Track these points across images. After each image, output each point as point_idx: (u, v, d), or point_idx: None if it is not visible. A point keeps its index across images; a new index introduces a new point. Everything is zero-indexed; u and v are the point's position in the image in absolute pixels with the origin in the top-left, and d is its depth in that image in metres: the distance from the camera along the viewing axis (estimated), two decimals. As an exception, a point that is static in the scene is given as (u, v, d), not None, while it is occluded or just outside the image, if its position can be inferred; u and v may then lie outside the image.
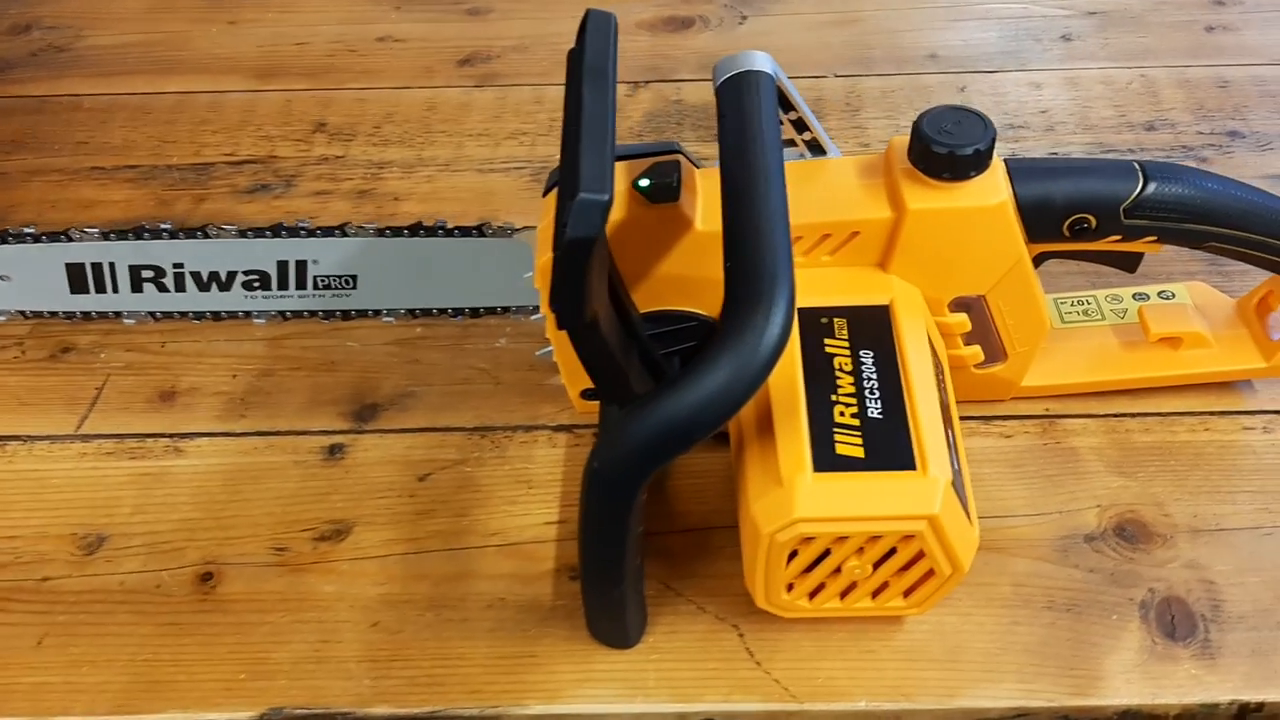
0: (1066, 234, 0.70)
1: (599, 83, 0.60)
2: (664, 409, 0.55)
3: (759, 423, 0.65)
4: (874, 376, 0.65)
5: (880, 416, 0.63)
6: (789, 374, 0.65)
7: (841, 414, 0.63)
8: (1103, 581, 0.69)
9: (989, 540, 0.71)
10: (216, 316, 0.83)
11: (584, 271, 0.56)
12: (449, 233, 0.79)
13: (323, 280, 0.80)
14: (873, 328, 0.67)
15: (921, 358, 0.67)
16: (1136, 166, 0.69)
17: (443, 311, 0.83)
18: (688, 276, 0.70)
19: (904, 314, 0.68)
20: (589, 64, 0.61)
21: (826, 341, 0.67)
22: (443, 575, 0.71)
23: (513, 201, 0.97)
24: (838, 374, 0.65)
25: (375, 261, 0.80)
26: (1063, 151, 0.97)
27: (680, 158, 0.71)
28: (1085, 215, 0.69)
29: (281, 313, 0.83)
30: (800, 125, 0.71)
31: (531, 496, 0.75)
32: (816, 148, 0.72)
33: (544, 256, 0.68)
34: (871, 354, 0.66)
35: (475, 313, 0.83)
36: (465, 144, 1.03)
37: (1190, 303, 0.79)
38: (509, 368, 0.83)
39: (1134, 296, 0.80)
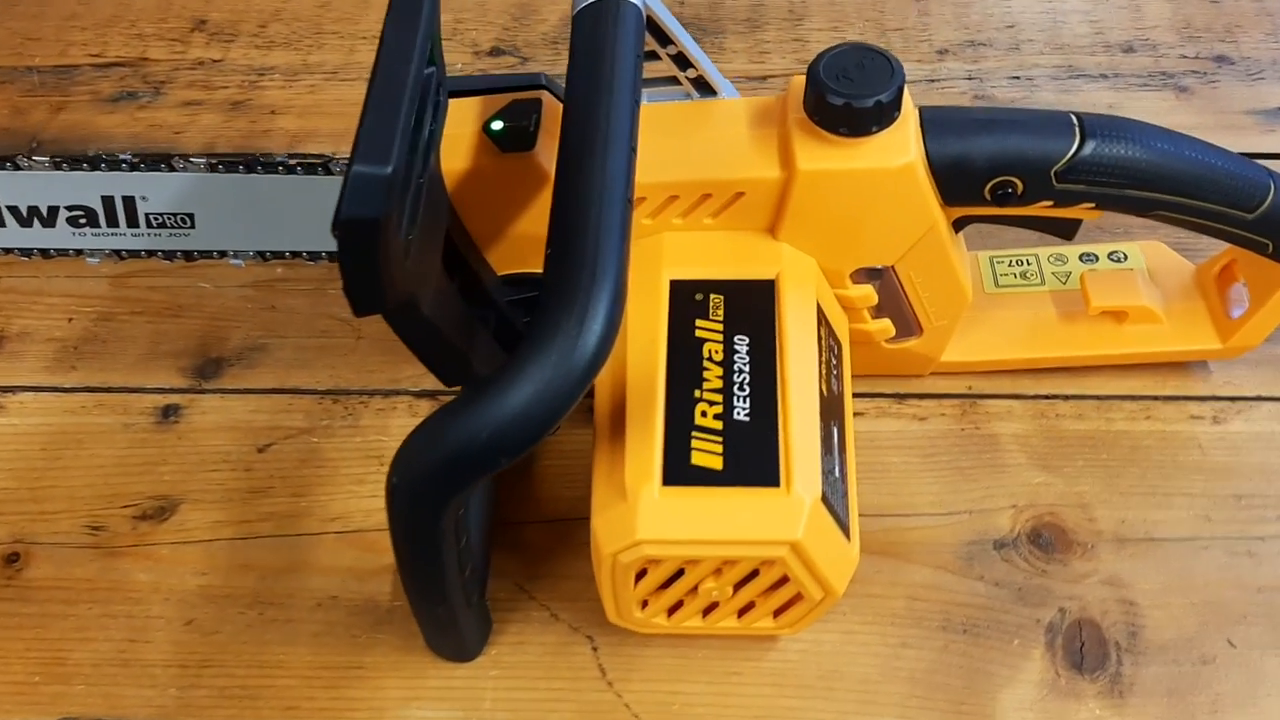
0: (988, 198, 0.59)
1: (404, 30, 0.50)
2: (462, 427, 0.46)
3: (612, 416, 0.56)
4: (746, 369, 0.56)
5: (746, 419, 0.54)
6: (649, 363, 0.56)
7: (704, 414, 0.54)
8: (1009, 598, 0.61)
9: (887, 543, 0.63)
10: (45, 254, 0.74)
11: (371, 256, 0.46)
12: (290, 169, 0.69)
13: (156, 218, 0.71)
14: (753, 307, 0.58)
15: (805, 344, 0.57)
16: (1073, 121, 0.58)
17: (296, 255, 0.73)
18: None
19: (791, 290, 0.58)
20: (396, 7, 0.51)
21: (698, 324, 0.57)
22: (271, 566, 0.64)
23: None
24: (706, 364, 0.56)
25: (213, 199, 0.70)
26: (1026, 75, 0.86)
27: (545, 95, 0.61)
28: (1010, 178, 0.58)
29: (116, 251, 0.74)
30: (683, 61, 0.60)
31: (382, 475, 0.67)
32: (705, 87, 0.61)
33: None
34: (747, 341, 0.57)
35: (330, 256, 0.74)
36: (358, 48, 0.92)
37: (1143, 267, 0.69)
38: (374, 319, 0.74)
39: (1080, 258, 0.70)
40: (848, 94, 0.55)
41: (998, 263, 0.71)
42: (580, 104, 0.51)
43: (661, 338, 0.57)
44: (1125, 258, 0.70)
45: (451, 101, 0.61)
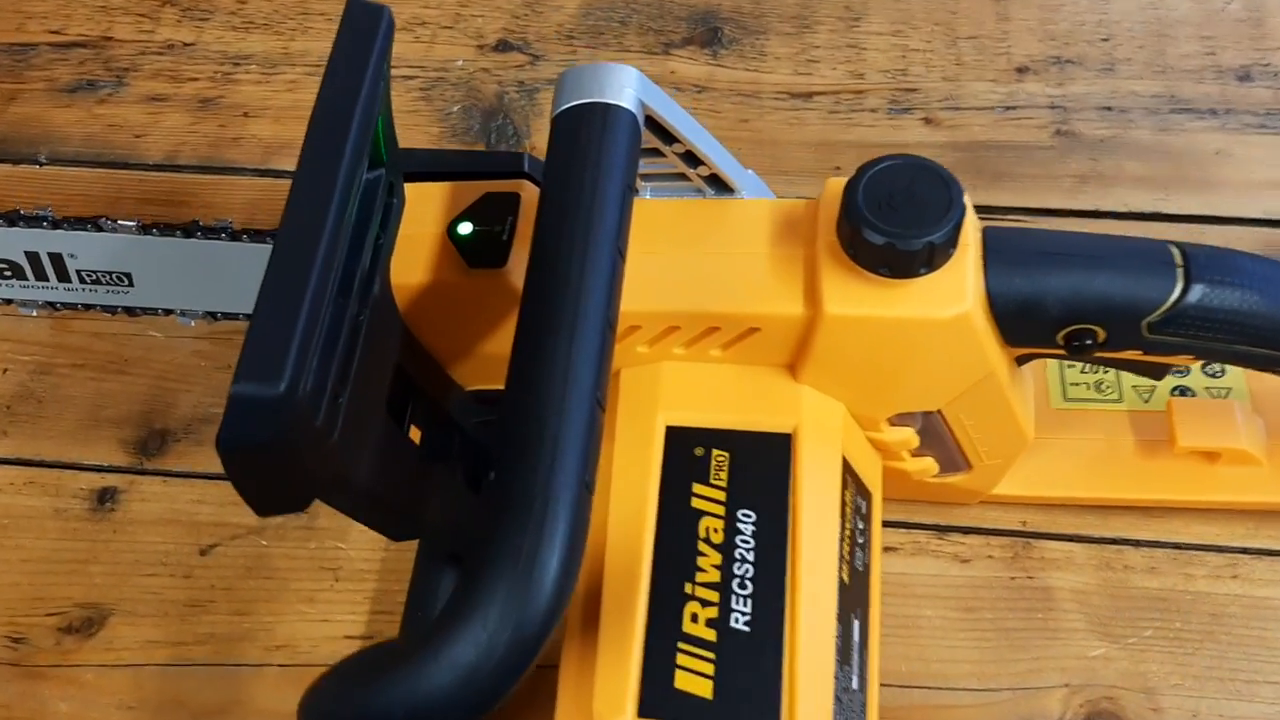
0: (1060, 343, 0.48)
1: (331, 134, 0.39)
2: (373, 702, 0.37)
3: (585, 606, 0.47)
4: (750, 558, 0.46)
5: (746, 629, 0.44)
6: (633, 539, 0.46)
7: (694, 618, 0.45)
8: (1051, 807, 0.52)
9: (911, 722, 0.54)
10: (-25, 300, 0.65)
11: (270, 474, 0.37)
12: (235, 236, 0.59)
13: (89, 275, 0.61)
14: (764, 471, 0.48)
15: (824, 522, 0.47)
16: (1174, 257, 0.47)
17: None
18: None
19: (812, 447, 0.48)
20: (324, 106, 0.40)
21: (696, 490, 0.47)
22: (206, 703, 0.56)
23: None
24: (701, 547, 0.46)
25: (151, 260, 0.60)
26: (1120, 107, 0.73)
27: (526, 187, 0.50)
28: (1090, 327, 0.47)
29: (50, 304, 0.64)
30: (692, 159, 0.49)
31: (336, 593, 0.59)
32: (720, 184, 0.50)
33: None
34: (753, 518, 0.47)
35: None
36: (348, 35, 0.80)
37: (1244, 391, 0.58)
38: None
39: (1174, 390, 0.59)
40: (891, 232, 0.44)
41: (1069, 370, 0.60)
42: (549, 241, 0.40)
43: (651, 504, 0.47)
44: (1223, 373, 0.59)
45: (412, 189, 0.50)
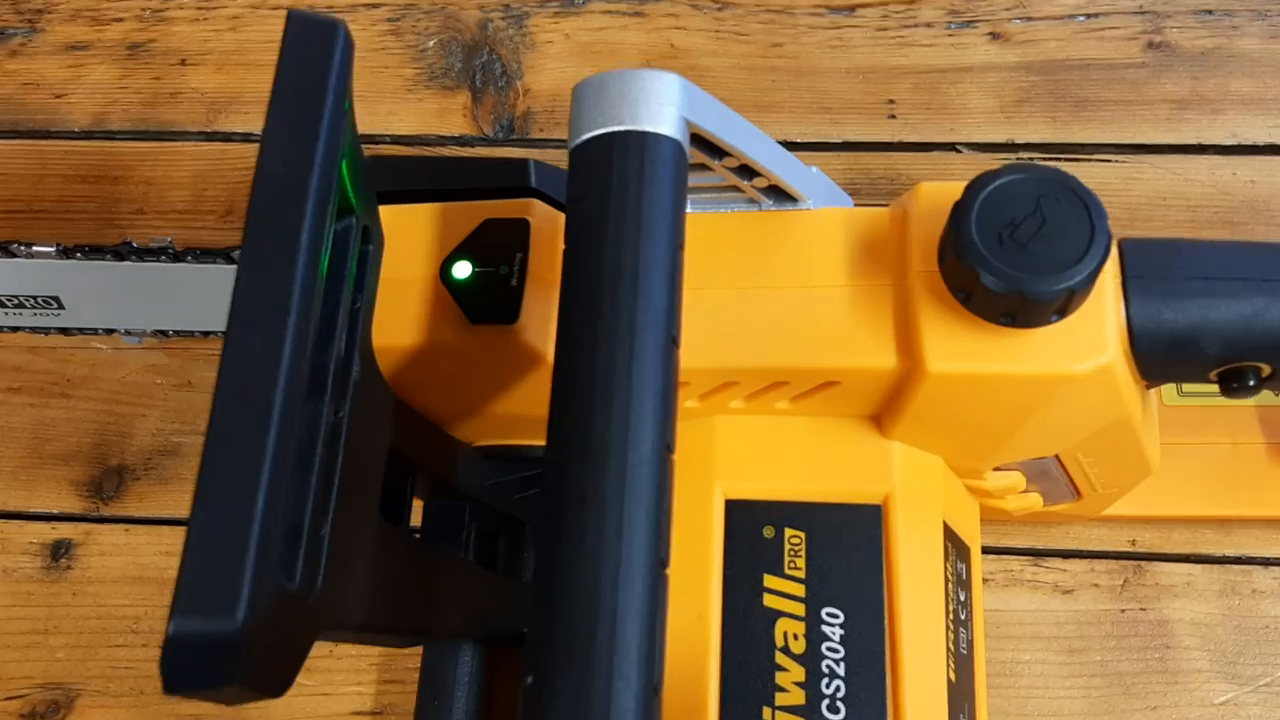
0: (1212, 380, 0.39)
1: (279, 235, 0.29)
2: None
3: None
4: (841, 670, 0.38)
5: (843, 763, 0.37)
6: (694, 659, 0.38)
7: (775, 752, 0.37)
8: None
9: (1014, 792, 0.47)
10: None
11: (236, 697, 0.28)
12: (177, 256, 0.48)
13: (11, 299, 0.51)
14: (851, 554, 0.39)
15: (928, 620, 0.39)
16: (1368, 275, 0.37)
17: (208, 334, 0.54)
18: (542, 416, 0.41)
19: (909, 520, 0.39)
20: (270, 171, 0.30)
21: (769, 583, 0.39)
22: (197, 802, 0.49)
23: (359, 72, 0.64)
24: (780, 660, 0.38)
25: (80, 284, 0.50)
26: (1224, 9, 0.61)
27: (534, 209, 0.40)
28: (1257, 365, 0.38)
29: (-29, 326, 0.54)
30: (747, 171, 0.38)
31: (336, 660, 0.51)
32: (779, 193, 0.40)
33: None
34: (840, 617, 0.38)
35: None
36: (298, -47, 0.68)
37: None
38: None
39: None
40: (1020, 277, 0.34)
41: (1183, 357, 0.50)
42: (583, 356, 0.30)
43: (713, 605, 0.39)
44: (1367, 355, 0.49)
45: (392, 212, 0.40)
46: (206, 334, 0.53)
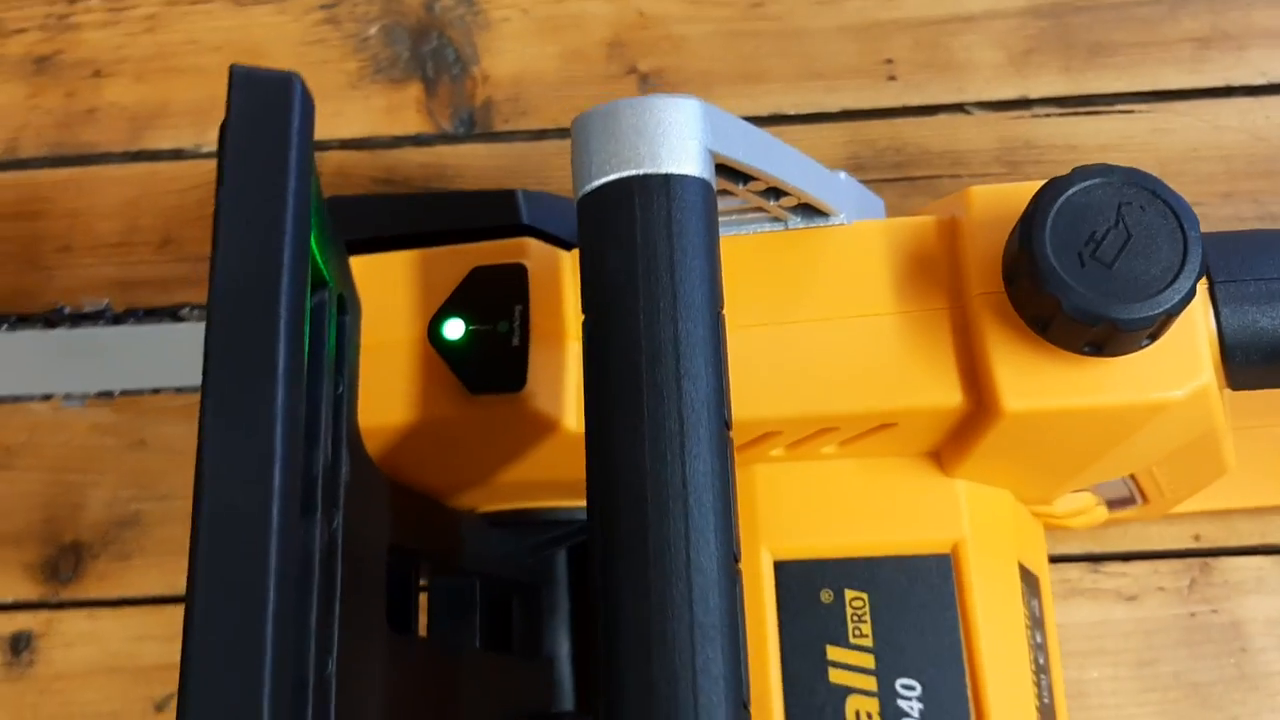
0: (1312, 381, 0.35)
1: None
2: None
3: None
4: (923, 749, 0.33)
5: None
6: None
7: None
8: None
9: (1093, 823, 0.43)
10: None
11: None
12: (116, 319, 0.42)
13: (-72, 374, 0.45)
14: (922, 614, 0.34)
15: (1013, 680, 0.35)
16: None
17: (158, 391, 0.48)
18: (556, 481, 0.36)
19: (982, 569, 0.35)
20: (231, 258, 0.24)
21: (832, 656, 0.34)
22: None
23: (295, 66, 0.57)
24: (853, 742, 0.34)
25: (9, 354, 0.44)
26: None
27: (529, 249, 0.34)
28: (1364, 366, 0.33)
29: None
30: (774, 191, 0.33)
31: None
32: (810, 210, 0.35)
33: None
34: (917, 689, 0.34)
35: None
36: (216, -63, 0.61)
37: None
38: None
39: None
40: (1107, 300, 0.29)
41: (1237, 330, 0.46)
42: (624, 456, 0.25)
43: (773, 686, 0.34)
44: None
45: (364, 265, 0.34)
46: (157, 391, 0.48)
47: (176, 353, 0.46)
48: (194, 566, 0.23)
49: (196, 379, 0.46)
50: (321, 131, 0.55)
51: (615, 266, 0.27)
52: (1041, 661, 0.37)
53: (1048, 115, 0.52)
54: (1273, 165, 0.51)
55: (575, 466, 0.35)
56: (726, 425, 0.26)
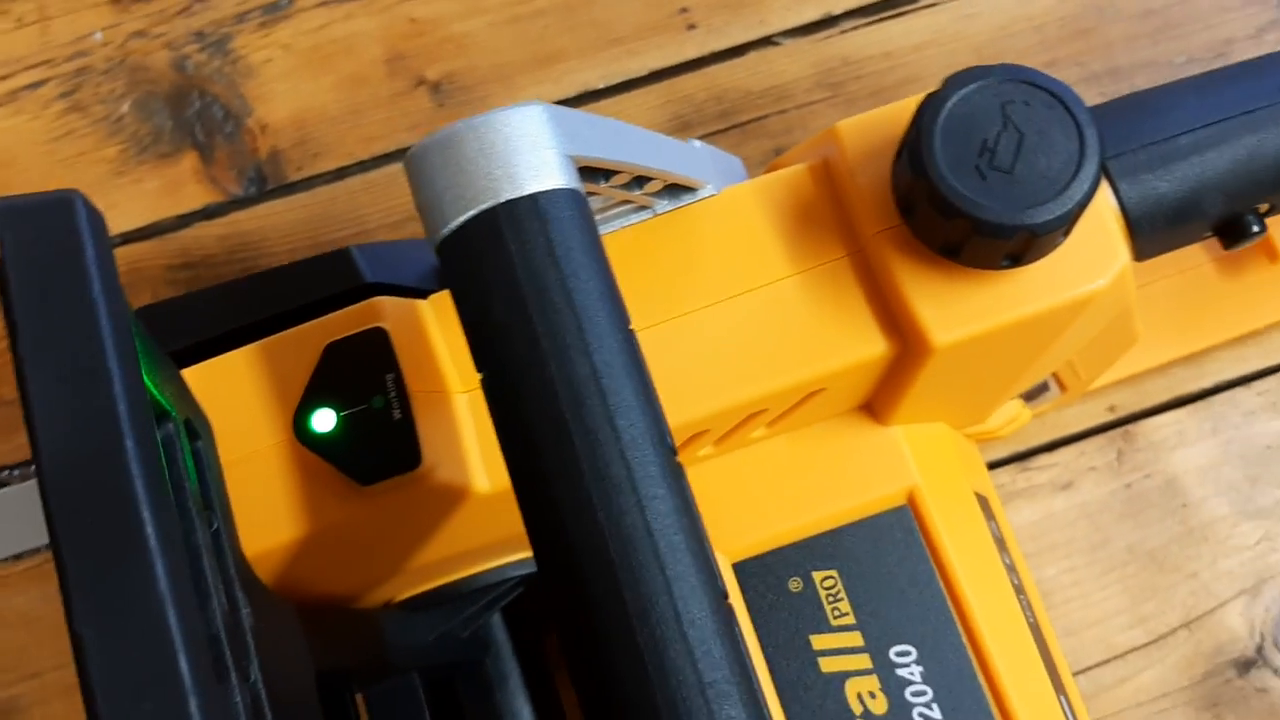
0: (1211, 235, 0.34)
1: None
2: None
3: None
4: (936, 712, 0.31)
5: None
6: None
7: (903, 837, 0.31)
8: (1292, 756, 0.42)
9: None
10: None
11: None
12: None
13: None
14: (896, 575, 0.33)
15: (1001, 606, 0.33)
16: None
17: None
18: (474, 548, 0.33)
19: (941, 508, 0.33)
20: (62, 496, 0.20)
21: (819, 645, 0.32)
22: None
23: (47, 170, 0.51)
24: (864, 727, 0.31)
25: None
26: None
27: (383, 309, 0.31)
28: (1254, 210, 0.33)
29: None
30: (637, 181, 0.30)
31: None
32: (676, 189, 0.32)
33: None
34: (913, 652, 0.32)
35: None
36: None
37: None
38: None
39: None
40: (1020, 209, 0.27)
41: (1096, 196, 0.46)
42: (570, 546, 0.22)
43: (768, 698, 0.32)
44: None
45: (200, 375, 0.30)
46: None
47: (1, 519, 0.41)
48: None
49: (32, 542, 0.40)
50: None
51: (502, 309, 0.23)
52: (1016, 582, 0.36)
53: (855, 28, 0.51)
54: (1082, 23, 0.50)
55: (493, 527, 0.32)
56: (673, 452, 0.23)
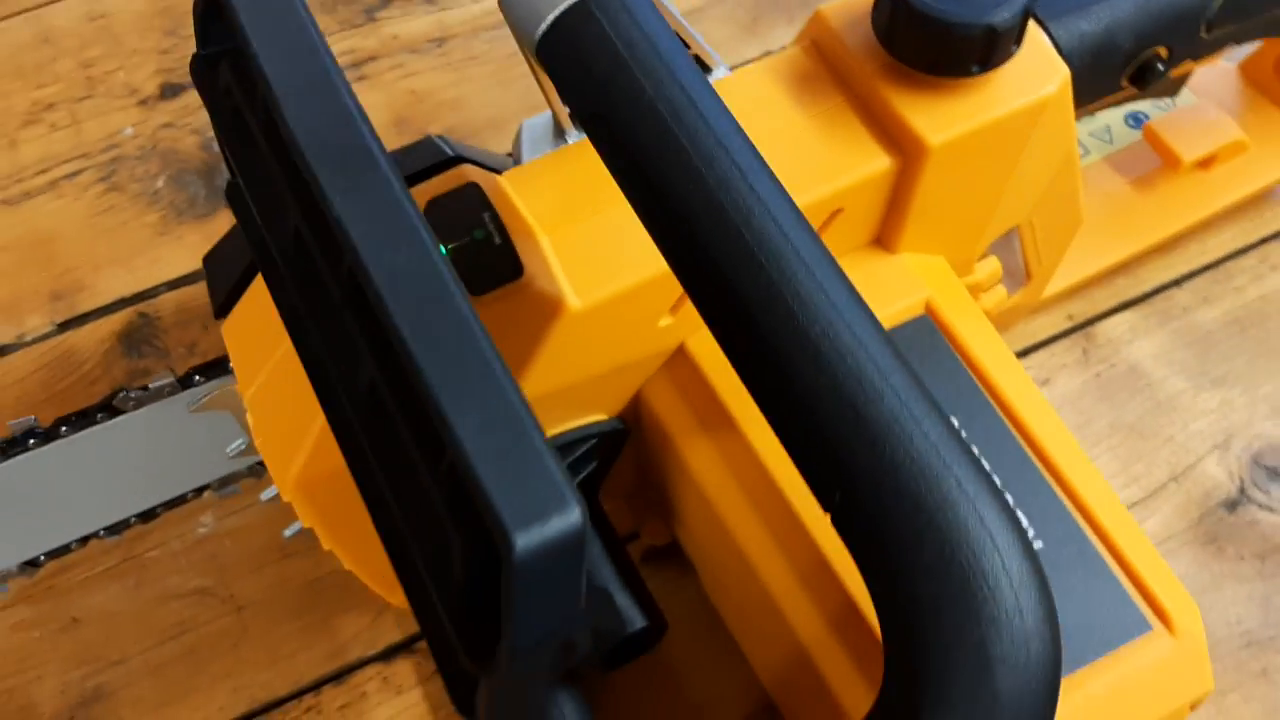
0: (1124, 85, 0.42)
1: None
2: None
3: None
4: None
5: (1043, 545, 0.35)
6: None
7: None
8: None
9: (1110, 568, 0.46)
10: None
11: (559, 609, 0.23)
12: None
13: None
14: (931, 368, 0.38)
15: (1020, 381, 0.38)
16: (1207, -62, 0.41)
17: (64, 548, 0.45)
18: (569, 385, 0.38)
19: (953, 310, 0.39)
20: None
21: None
22: None
23: (90, 237, 0.56)
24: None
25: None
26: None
27: (469, 173, 0.36)
28: (1157, 51, 0.41)
29: None
30: (674, 41, 0.37)
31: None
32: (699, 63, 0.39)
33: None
34: (956, 421, 0.37)
35: (141, 518, 0.46)
36: (-44, 158, 0.59)
37: (1194, 100, 0.54)
38: (243, 575, 0.47)
39: (1128, 120, 0.54)
40: (981, 10, 0.35)
41: (1022, 145, 0.54)
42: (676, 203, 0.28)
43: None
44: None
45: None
46: (85, 540, 0.44)
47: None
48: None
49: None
50: (147, 280, 0.54)
51: (607, 68, 0.29)
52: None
53: None
54: None
55: (582, 360, 0.37)
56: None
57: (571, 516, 0.20)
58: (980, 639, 0.23)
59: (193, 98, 0.60)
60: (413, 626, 0.46)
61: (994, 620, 0.23)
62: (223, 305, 0.39)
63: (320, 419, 0.35)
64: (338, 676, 0.45)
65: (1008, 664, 0.23)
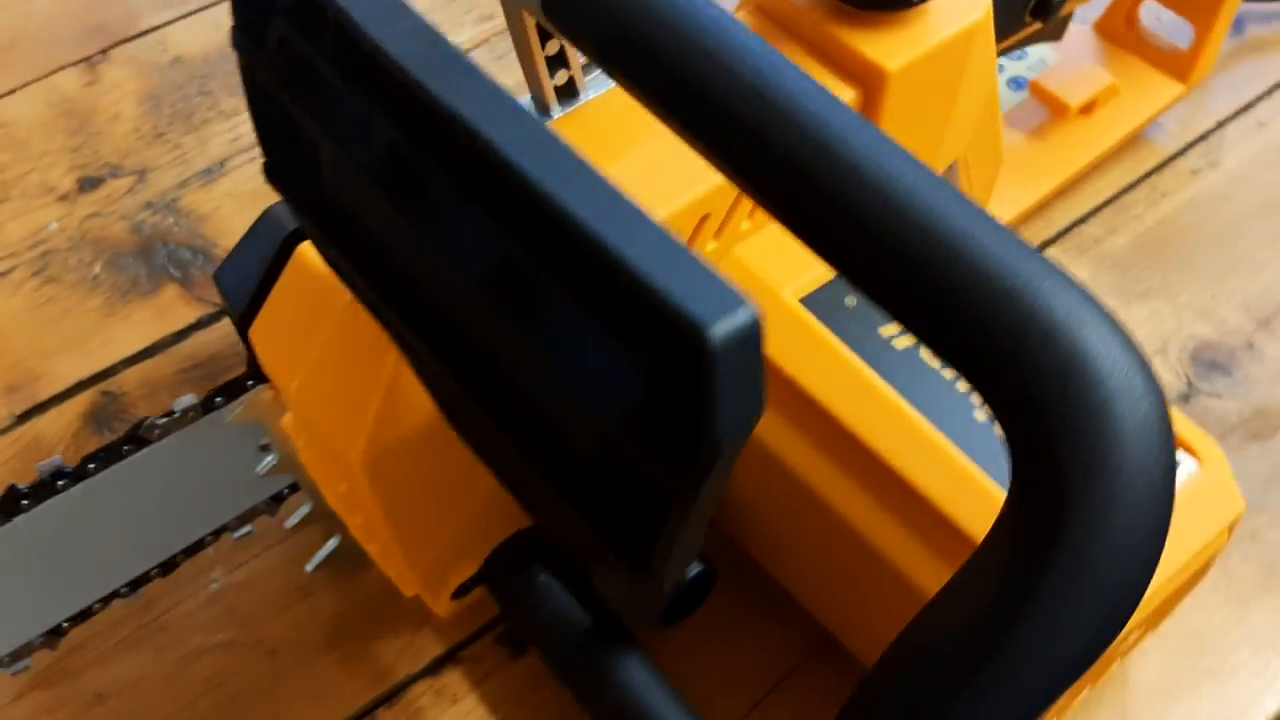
0: (1027, 21, 0.47)
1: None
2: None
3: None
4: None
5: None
6: (874, 407, 0.38)
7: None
8: (1241, 439, 0.51)
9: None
10: None
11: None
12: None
13: None
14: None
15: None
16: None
17: (85, 612, 0.43)
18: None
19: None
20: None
21: (884, 334, 0.40)
22: None
23: (34, 328, 0.55)
24: (962, 386, 0.39)
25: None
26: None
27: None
28: (1054, -19, 0.46)
29: None
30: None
31: None
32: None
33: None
34: (961, 318, 0.40)
35: (148, 579, 0.44)
36: None
37: (1053, 57, 0.60)
38: (268, 619, 0.46)
39: (1009, 84, 0.60)
40: (920, -59, 0.39)
41: (924, 117, 0.59)
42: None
43: (859, 371, 0.39)
44: (1025, 55, 0.61)
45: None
46: (108, 599, 0.43)
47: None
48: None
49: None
50: (103, 360, 0.53)
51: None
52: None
53: None
54: None
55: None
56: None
57: (751, 309, 0.22)
58: (1103, 400, 0.26)
59: (114, 187, 0.60)
60: (454, 635, 0.45)
61: (1110, 383, 0.26)
62: (245, 314, 0.39)
63: (379, 392, 0.35)
64: (389, 698, 0.44)
65: (1128, 420, 0.26)
